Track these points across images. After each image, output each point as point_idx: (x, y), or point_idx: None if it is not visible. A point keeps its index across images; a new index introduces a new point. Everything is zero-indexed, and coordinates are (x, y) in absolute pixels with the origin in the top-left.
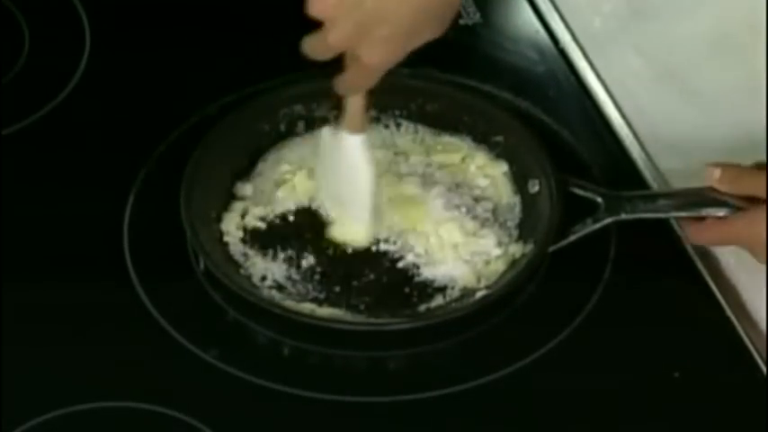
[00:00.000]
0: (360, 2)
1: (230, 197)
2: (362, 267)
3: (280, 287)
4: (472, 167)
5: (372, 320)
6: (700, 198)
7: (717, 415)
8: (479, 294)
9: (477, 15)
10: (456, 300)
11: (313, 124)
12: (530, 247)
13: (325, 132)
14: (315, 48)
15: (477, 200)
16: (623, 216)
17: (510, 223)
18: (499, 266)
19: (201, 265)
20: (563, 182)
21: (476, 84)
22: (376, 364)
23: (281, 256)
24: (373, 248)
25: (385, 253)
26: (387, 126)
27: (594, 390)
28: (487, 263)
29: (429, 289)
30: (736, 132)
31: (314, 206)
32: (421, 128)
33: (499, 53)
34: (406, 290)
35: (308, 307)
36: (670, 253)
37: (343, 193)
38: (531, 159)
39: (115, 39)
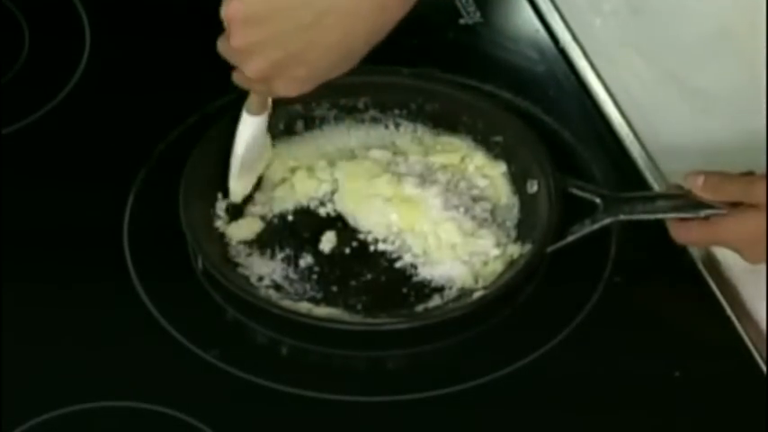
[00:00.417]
0: (283, 44)
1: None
2: (360, 267)
3: (277, 287)
4: (471, 167)
5: (370, 320)
6: (698, 199)
7: (717, 415)
8: (477, 295)
9: (478, 15)
10: (453, 300)
11: (312, 123)
12: (528, 247)
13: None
14: (236, 77)
15: (475, 200)
16: (621, 217)
17: (508, 224)
18: (497, 267)
19: (200, 265)
20: (561, 182)
21: (476, 83)
22: (374, 364)
23: (279, 255)
24: (371, 248)
25: (383, 253)
26: (386, 126)
27: (594, 389)
28: (485, 263)
29: (426, 289)
30: (736, 132)
31: (312, 206)
32: (420, 128)
33: (499, 53)
34: (404, 290)
35: (305, 306)
36: (670, 253)
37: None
38: (530, 160)
39: (115, 39)
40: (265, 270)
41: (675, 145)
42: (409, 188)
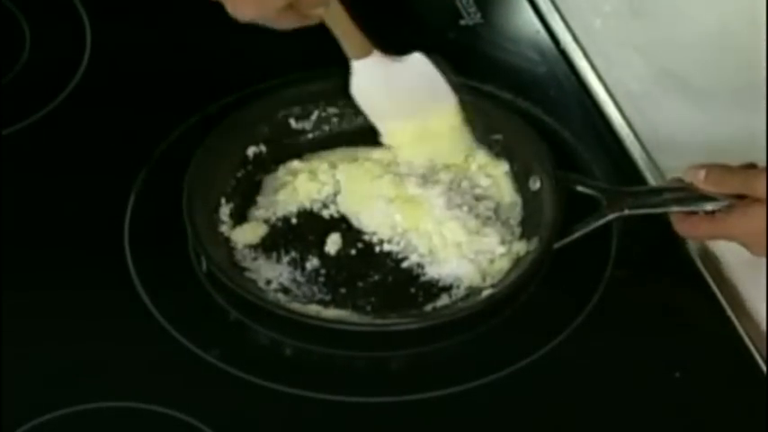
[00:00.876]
0: None
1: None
2: (367, 268)
3: (285, 290)
4: (473, 167)
5: (379, 321)
6: (702, 192)
7: (717, 415)
8: (486, 293)
9: (478, 16)
10: (462, 299)
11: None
12: (533, 244)
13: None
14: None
15: (478, 199)
16: (626, 211)
17: (512, 221)
18: (504, 264)
19: (204, 267)
20: (564, 179)
21: (476, 84)
22: (381, 365)
23: (286, 258)
24: (377, 249)
25: (389, 253)
26: None
27: (596, 388)
28: (492, 261)
29: (434, 288)
30: (736, 132)
31: (315, 208)
32: None
33: (500, 53)
34: (412, 290)
35: (314, 309)
36: (671, 252)
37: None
38: (532, 158)
39: (115, 39)
40: (272, 274)
41: (675, 145)
42: (412, 188)
